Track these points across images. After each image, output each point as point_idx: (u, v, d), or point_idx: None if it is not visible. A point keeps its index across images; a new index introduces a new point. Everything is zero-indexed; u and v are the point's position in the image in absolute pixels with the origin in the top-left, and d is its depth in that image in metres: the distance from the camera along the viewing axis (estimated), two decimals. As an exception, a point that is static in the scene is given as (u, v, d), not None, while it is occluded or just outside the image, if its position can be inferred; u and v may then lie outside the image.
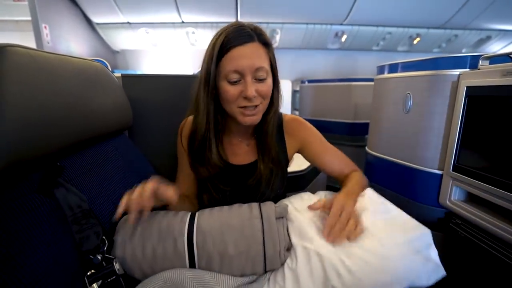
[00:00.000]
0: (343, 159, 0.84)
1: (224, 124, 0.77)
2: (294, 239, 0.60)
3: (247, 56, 0.63)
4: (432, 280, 0.55)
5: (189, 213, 0.61)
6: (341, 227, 0.57)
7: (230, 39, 0.64)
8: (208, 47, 0.68)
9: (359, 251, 0.54)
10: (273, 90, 0.72)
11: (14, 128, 0.41)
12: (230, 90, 0.65)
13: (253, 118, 0.68)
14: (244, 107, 0.67)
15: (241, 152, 0.79)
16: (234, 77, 0.64)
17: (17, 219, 0.43)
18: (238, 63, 0.63)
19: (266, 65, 0.66)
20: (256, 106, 0.67)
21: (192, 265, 0.55)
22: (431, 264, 0.55)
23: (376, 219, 0.60)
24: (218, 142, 0.74)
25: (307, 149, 0.82)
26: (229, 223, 0.57)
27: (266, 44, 0.68)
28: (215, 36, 0.67)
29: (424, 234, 0.58)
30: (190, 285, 0.51)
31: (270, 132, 0.74)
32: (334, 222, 0.57)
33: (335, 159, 0.83)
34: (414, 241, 0.56)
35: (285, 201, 0.73)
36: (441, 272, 0.56)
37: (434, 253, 0.57)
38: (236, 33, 0.64)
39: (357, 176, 0.79)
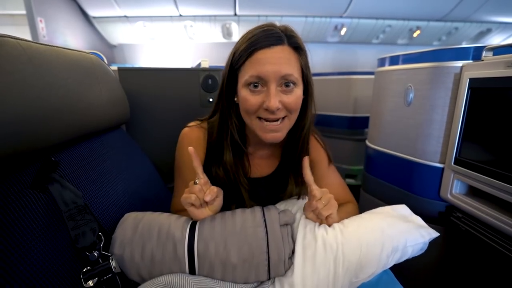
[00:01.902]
0: (341, 187, 0.78)
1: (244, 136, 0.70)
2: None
3: (273, 60, 0.55)
4: (427, 238, 0.60)
5: (191, 220, 0.59)
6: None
7: (255, 41, 0.56)
8: (232, 50, 0.61)
9: (356, 228, 0.59)
10: (306, 103, 0.64)
11: (3, 121, 0.40)
12: (250, 99, 0.57)
13: (276, 135, 0.60)
14: (266, 120, 0.59)
15: (260, 164, 0.73)
16: (256, 84, 0.56)
17: (12, 215, 0.42)
18: (262, 68, 0.55)
19: (295, 72, 0.57)
20: (279, 119, 0.59)
21: (192, 272, 0.53)
22: (424, 229, 0.60)
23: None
24: (236, 154, 0.67)
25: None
26: (232, 230, 0.55)
27: (297, 48, 0.59)
28: (240, 37, 0.60)
29: (402, 206, 0.66)
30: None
31: (302, 152, 0.67)
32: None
33: (332, 185, 0.75)
34: (397, 212, 0.63)
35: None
36: (433, 234, 0.61)
37: (419, 218, 0.64)
38: (263, 33, 0.56)
39: (349, 208, 0.72)
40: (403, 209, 0.65)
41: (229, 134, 0.65)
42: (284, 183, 0.72)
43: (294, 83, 0.57)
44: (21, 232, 0.42)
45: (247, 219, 0.57)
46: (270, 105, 0.55)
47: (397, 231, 0.58)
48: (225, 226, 0.56)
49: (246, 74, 0.56)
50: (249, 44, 0.56)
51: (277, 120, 0.59)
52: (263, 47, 0.55)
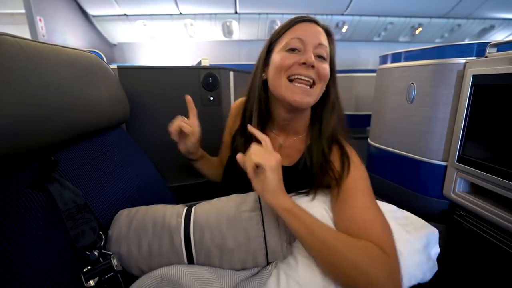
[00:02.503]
0: (363, 217, 0.52)
1: (270, 116, 0.71)
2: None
3: (312, 31, 0.62)
4: (429, 276, 0.56)
5: (186, 207, 0.59)
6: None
7: (296, 18, 0.64)
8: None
9: None
10: (330, 85, 0.65)
11: (1, 120, 0.39)
12: (286, 57, 0.61)
13: (305, 98, 0.60)
14: (297, 79, 0.60)
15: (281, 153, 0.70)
16: (295, 44, 0.61)
17: (11, 215, 0.41)
18: (303, 33, 0.61)
19: (327, 48, 0.63)
20: (311, 83, 0.61)
21: (190, 261, 0.53)
22: (431, 262, 0.57)
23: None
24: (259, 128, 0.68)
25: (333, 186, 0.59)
26: (227, 215, 0.55)
27: (329, 35, 0.65)
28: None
29: (432, 233, 0.58)
30: (188, 281, 0.49)
31: (325, 137, 0.63)
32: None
33: (357, 217, 0.52)
34: (423, 240, 0.56)
35: None
36: (435, 269, 0.57)
37: (435, 251, 0.58)
38: (302, 16, 0.64)
39: (363, 247, 0.47)
40: (433, 235, 0.57)
41: (258, 111, 0.68)
42: (298, 180, 0.66)
43: (326, 56, 0.62)
44: (21, 232, 0.42)
45: (242, 204, 0.57)
46: (308, 58, 0.58)
47: (417, 269, 0.53)
48: (220, 212, 0.55)
49: (286, 38, 0.62)
50: (291, 20, 0.64)
51: (308, 81, 0.61)
52: (305, 21, 0.63)
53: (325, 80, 0.63)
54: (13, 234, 0.40)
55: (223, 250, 0.52)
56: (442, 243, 0.96)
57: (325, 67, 0.62)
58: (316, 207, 0.59)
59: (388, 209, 0.60)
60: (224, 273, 0.53)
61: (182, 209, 0.58)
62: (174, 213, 0.57)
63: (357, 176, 0.58)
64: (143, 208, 0.59)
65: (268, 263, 0.55)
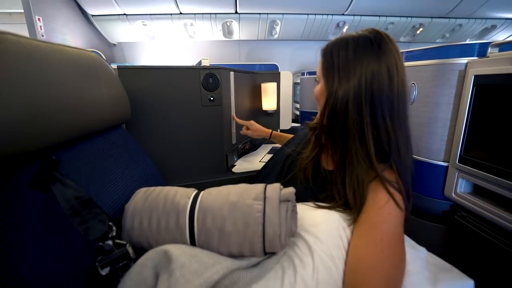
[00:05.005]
0: (376, 272, 0.50)
1: None
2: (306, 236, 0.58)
3: None
4: None
5: (196, 190, 0.63)
6: None
7: None
8: None
9: None
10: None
11: (3, 119, 0.39)
12: None
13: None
14: None
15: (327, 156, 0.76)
16: None
17: (12, 215, 0.41)
18: None
19: (318, 71, 0.71)
20: None
21: (192, 240, 0.56)
22: None
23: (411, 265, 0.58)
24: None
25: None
26: (230, 201, 0.57)
27: (324, 50, 0.71)
28: None
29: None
30: (186, 261, 0.50)
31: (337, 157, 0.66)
32: None
33: (365, 260, 0.51)
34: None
35: None
36: None
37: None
38: None
39: None
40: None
41: None
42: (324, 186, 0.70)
43: (317, 79, 0.72)
44: (22, 232, 0.41)
45: (247, 192, 0.59)
46: None
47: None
48: (225, 197, 0.59)
49: None
50: None
51: None
52: None
53: (319, 98, 0.72)
54: (15, 233, 0.40)
55: (222, 232, 0.55)
56: (443, 244, 0.96)
57: (316, 88, 0.73)
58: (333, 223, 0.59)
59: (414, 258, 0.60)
60: (222, 259, 0.54)
61: (192, 192, 0.62)
62: (184, 194, 0.61)
63: (379, 205, 0.56)
64: (159, 188, 0.64)
65: (265, 253, 0.55)
